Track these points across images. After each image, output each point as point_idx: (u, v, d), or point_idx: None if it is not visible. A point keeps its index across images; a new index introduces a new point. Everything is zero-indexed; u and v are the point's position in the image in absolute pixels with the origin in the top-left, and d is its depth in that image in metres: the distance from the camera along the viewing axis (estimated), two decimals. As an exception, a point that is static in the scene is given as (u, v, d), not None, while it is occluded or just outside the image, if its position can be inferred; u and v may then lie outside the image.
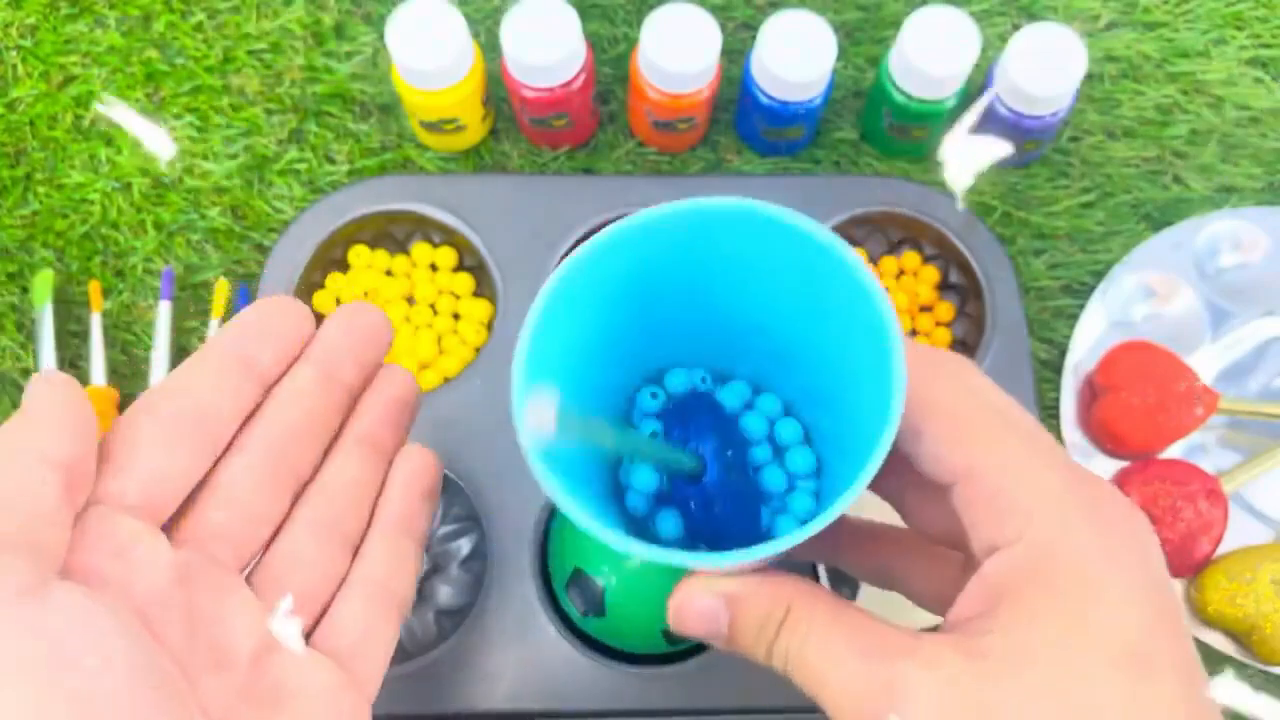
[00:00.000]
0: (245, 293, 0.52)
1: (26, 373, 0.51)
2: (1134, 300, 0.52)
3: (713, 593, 0.26)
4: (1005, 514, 0.24)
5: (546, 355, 0.25)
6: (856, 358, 0.26)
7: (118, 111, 0.53)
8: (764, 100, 0.50)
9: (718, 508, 0.29)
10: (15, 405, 0.51)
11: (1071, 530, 0.23)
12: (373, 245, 0.52)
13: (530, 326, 0.24)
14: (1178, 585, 0.48)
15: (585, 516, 0.23)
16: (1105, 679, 0.22)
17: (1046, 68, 0.49)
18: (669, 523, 0.29)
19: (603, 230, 0.25)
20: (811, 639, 0.25)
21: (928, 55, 0.48)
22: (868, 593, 0.43)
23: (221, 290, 0.51)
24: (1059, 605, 0.23)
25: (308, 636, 0.27)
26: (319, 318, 0.30)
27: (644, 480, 0.30)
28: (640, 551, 0.23)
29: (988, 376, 0.26)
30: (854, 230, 0.52)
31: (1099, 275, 0.53)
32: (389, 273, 0.52)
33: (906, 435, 0.25)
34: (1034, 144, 0.52)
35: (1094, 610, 0.22)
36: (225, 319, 0.51)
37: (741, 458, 0.30)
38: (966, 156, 0.52)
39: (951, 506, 0.26)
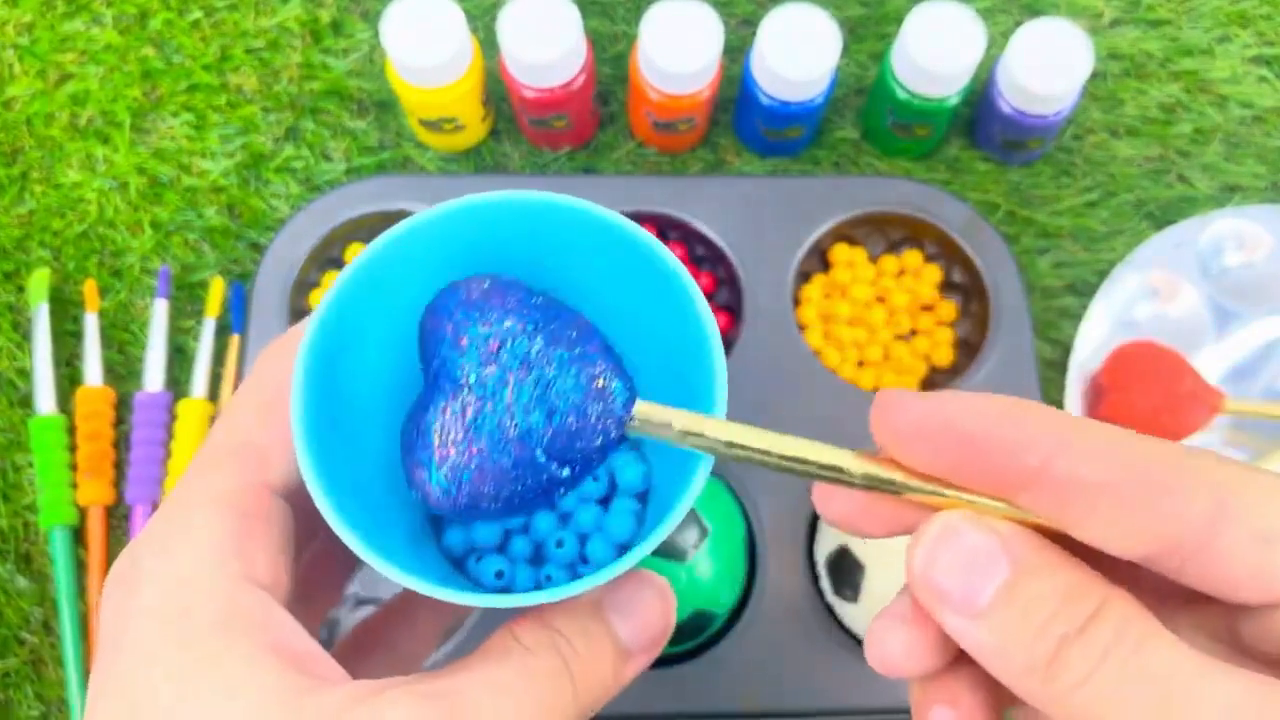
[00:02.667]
0: (240, 291, 0.52)
1: (22, 372, 0.51)
2: (1138, 300, 0.52)
3: (992, 533, 0.18)
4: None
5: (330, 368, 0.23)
6: (683, 358, 0.24)
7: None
8: (764, 101, 0.50)
9: (537, 520, 0.27)
10: (10, 404, 0.51)
11: None
12: (371, 244, 0.51)
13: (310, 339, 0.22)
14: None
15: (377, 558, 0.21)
16: None
17: (1050, 65, 0.48)
18: (487, 530, 0.27)
19: (374, 241, 0.23)
20: (1153, 649, 0.17)
21: (931, 52, 0.48)
22: (871, 582, 0.43)
23: (217, 289, 0.51)
24: None
25: None
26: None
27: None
28: (443, 595, 0.21)
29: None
30: (854, 230, 0.52)
31: (1103, 274, 0.52)
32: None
33: (1074, 526, 0.18)
34: (1038, 142, 0.52)
35: None
36: (221, 318, 0.51)
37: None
38: None
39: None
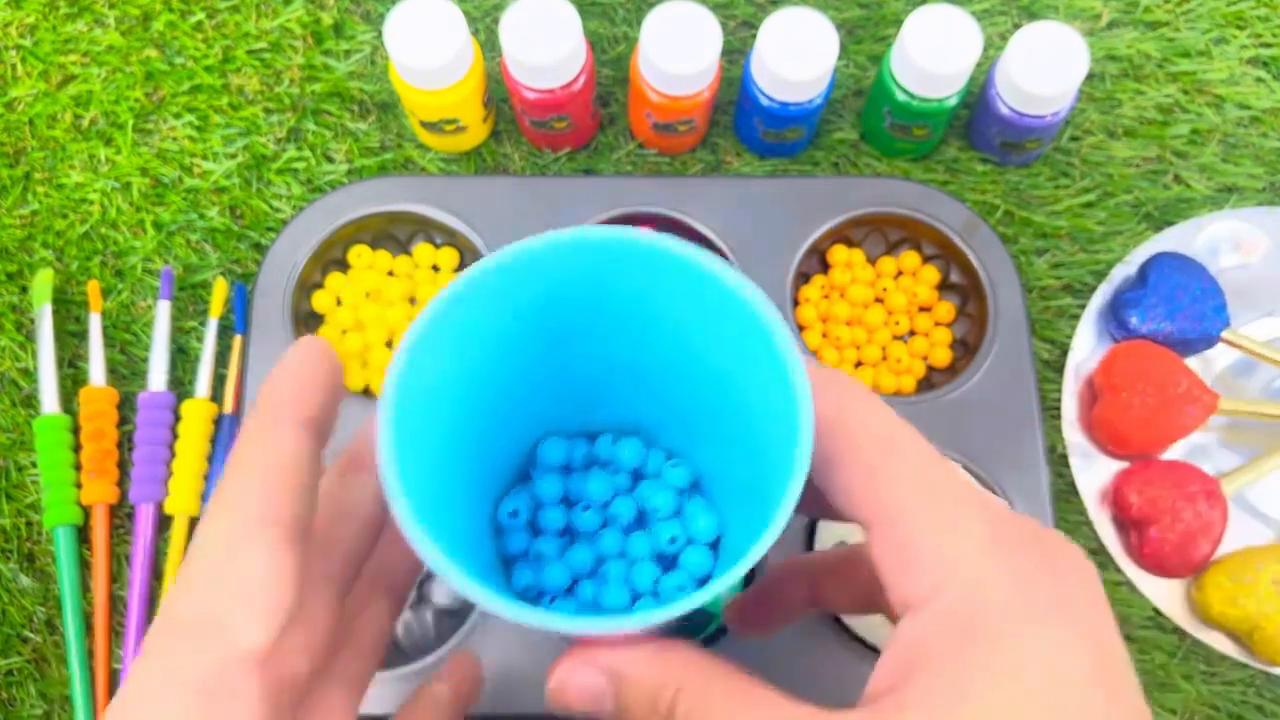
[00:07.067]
0: (242, 292, 0.52)
1: (26, 372, 0.51)
2: (1135, 300, 0.52)
3: (596, 668, 0.23)
4: (919, 567, 0.22)
5: (417, 405, 0.23)
6: (758, 397, 0.24)
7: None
8: (764, 102, 0.50)
9: (607, 566, 0.28)
10: (14, 404, 0.51)
11: (991, 588, 0.21)
12: (374, 245, 0.52)
13: (399, 367, 0.22)
14: (1179, 586, 0.48)
15: (471, 585, 0.21)
16: None
17: (1048, 67, 0.49)
18: (555, 573, 0.28)
19: (470, 268, 0.23)
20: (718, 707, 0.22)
21: (929, 54, 0.48)
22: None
23: (220, 290, 0.51)
24: (981, 677, 0.20)
25: None
26: (318, 322, 0.29)
27: (550, 519, 0.29)
28: (521, 617, 0.21)
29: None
30: (853, 231, 0.52)
31: (1100, 275, 0.53)
32: (391, 273, 0.52)
33: (820, 467, 0.23)
34: (1035, 143, 0.52)
35: (1022, 681, 0.20)
36: (223, 318, 0.51)
37: (630, 512, 0.29)
38: None
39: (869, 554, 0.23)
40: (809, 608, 0.31)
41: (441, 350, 0.23)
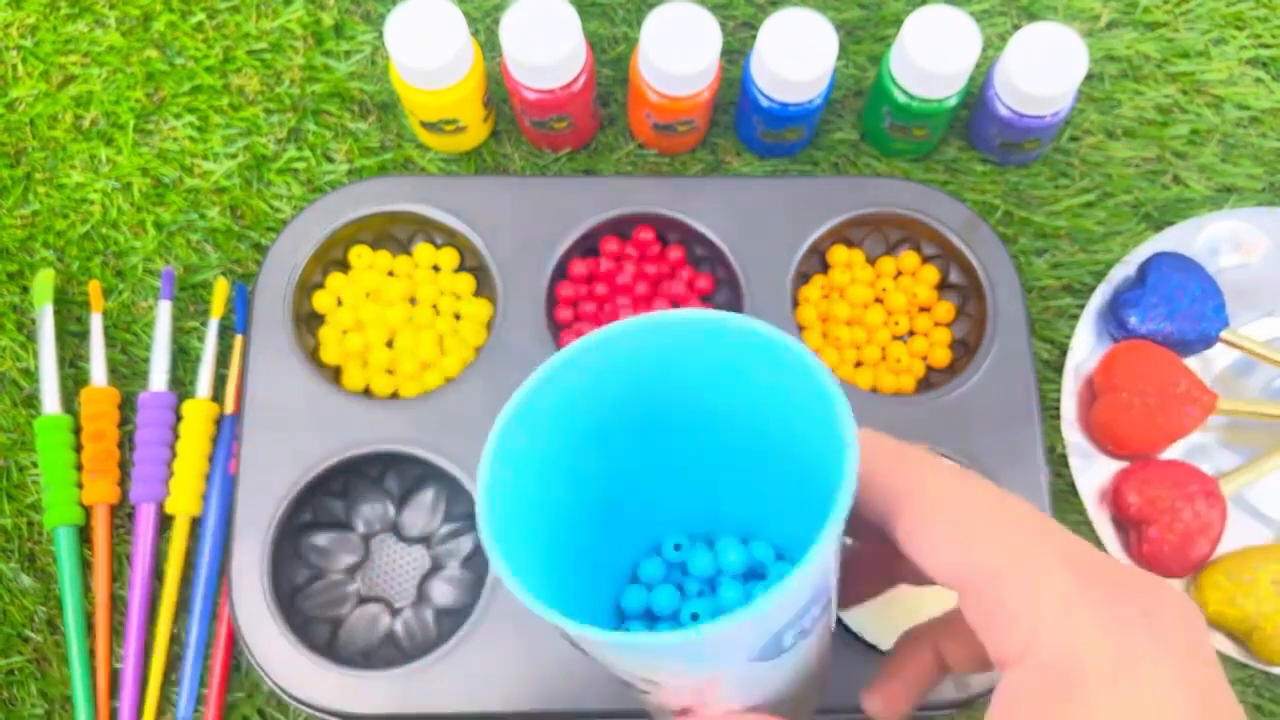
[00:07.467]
0: (243, 292, 0.52)
1: (27, 372, 0.52)
2: (1134, 300, 0.52)
3: None
4: (1009, 627, 0.23)
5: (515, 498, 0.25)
6: (813, 447, 0.25)
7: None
8: (763, 103, 0.50)
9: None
10: (15, 404, 0.51)
11: (1083, 642, 0.22)
12: (374, 246, 0.52)
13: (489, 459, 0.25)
14: (1177, 585, 0.48)
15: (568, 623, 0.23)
16: None
17: (1047, 67, 0.49)
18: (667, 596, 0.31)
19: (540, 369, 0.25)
20: None
21: (929, 54, 0.48)
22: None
23: (221, 290, 0.51)
24: None
25: None
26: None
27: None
28: (608, 643, 0.23)
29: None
30: (852, 231, 0.52)
31: (1100, 275, 0.53)
32: (392, 273, 0.52)
33: (904, 543, 0.24)
34: (1034, 143, 0.52)
35: None
36: (224, 318, 0.51)
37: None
38: None
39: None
40: (941, 673, 0.30)
41: (535, 420, 0.26)
